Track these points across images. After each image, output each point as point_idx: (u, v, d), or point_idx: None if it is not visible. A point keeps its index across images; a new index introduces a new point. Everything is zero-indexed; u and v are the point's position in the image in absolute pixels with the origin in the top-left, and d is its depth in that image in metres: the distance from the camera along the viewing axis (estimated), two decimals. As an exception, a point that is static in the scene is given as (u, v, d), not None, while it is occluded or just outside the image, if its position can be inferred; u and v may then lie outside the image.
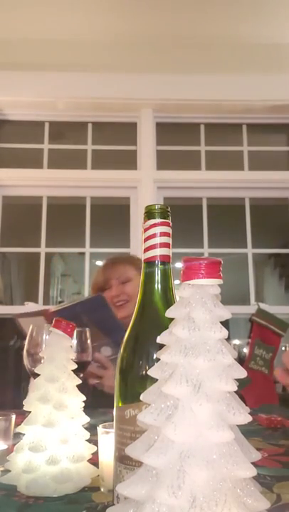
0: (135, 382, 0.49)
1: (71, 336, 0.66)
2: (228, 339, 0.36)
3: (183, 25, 2.65)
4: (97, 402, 1.25)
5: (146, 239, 0.53)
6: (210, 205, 2.84)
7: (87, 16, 2.57)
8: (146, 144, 2.74)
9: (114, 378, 1.29)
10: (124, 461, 0.48)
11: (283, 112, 2.79)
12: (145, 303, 0.53)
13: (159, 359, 0.36)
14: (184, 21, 2.63)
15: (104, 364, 1.25)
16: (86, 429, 0.64)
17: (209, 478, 0.30)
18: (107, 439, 0.60)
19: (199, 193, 2.83)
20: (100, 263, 3.07)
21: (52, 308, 1.27)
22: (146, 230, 0.53)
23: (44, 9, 2.52)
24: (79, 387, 0.65)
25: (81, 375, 0.99)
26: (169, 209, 0.54)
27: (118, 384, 0.51)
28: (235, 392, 0.34)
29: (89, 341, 1.06)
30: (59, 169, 2.76)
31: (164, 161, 2.80)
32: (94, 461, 0.63)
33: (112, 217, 3.00)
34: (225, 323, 0.36)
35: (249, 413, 0.33)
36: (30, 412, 0.62)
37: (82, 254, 2.76)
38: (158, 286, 0.52)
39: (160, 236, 0.52)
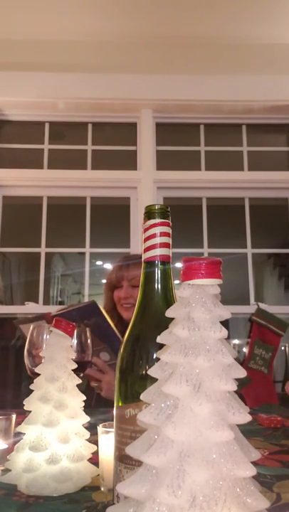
0: (135, 381, 0.50)
1: (71, 335, 0.66)
2: (228, 339, 0.36)
3: (183, 26, 2.65)
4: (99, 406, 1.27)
5: (146, 239, 0.53)
6: (210, 205, 2.84)
7: (88, 16, 2.58)
8: (146, 144, 2.74)
9: (110, 384, 1.30)
10: (125, 461, 0.48)
11: (283, 112, 2.79)
12: (145, 303, 0.53)
13: (159, 359, 0.36)
14: (183, 22, 2.63)
15: (102, 368, 1.28)
16: (86, 428, 0.64)
17: (209, 477, 0.30)
18: (107, 438, 0.60)
19: (199, 193, 2.83)
20: (100, 263, 3.08)
21: (52, 312, 1.29)
22: (146, 230, 0.53)
23: (45, 10, 2.52)
24: (84, 391, 0.65)
25: (81, 375, 0.99)
26: (168, 209, 0.54)
27: (118, 383, 0.51)
28: (235, 391, 0.34)
29: (89, 341, 1.07)
30: (59, 169, 2.76)
31: (164, 161, 2.80)
32: (94, 460, 0.63)
33: (112, 217, 3.01)
34: (225, 323, 0.36)
35: (249, 413, 0.33)
36: (30, 411, 0.62)
37: (83, 254, 2.76)
38: (158, 286, 0.53)
39: (160, 236, 0.52)
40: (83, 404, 0.65)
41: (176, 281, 0.47)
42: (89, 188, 2.77)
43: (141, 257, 0.54)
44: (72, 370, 0.65)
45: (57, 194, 2.79)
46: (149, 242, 0.52)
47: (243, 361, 2.59)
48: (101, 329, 1.09)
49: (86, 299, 2.70)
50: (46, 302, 2.79)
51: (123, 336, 0.54)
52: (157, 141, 2.81)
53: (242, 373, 0.34)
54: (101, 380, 1.29)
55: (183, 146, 2.89)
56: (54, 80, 2.68)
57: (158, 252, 0.52)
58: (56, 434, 0.60)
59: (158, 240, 0.52)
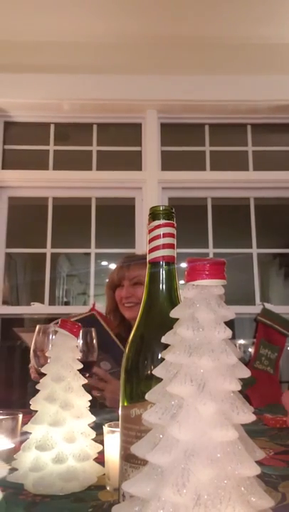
0: (140, 381, 0.50)
1: (77, 336, 0.66)
2: (233, 339, 0.36)
3: (187, 27, 2.65)
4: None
5: (151, 240, 0.53)
6: (214, 205, 2.84)
7: (92, 17, 2.58)
8: (151, 145, 2.74)
9: (115, 393, 1.30)
10: (130, 460, 0.48)
11: (287, 112, 2.78)
12: (150, 303, 0.53)
13: (163, 359, 0.36)
14: (187, 22, 2.63)
15: (104, 378, 1.28)
16: (92, 428, 0.65)
17: (213, 476, 0.30)
18: (113, 438, 0.61)
19: (204, 194, 2.82)
20: (105, 263, 3.08)
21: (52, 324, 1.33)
22: (150, 231, 0.53)
23: (49, 12, 2.53)
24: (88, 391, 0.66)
25: (87, 375, 1.00)
26: (173, 210, 0.54)
27: (124, 383, 0.52)
28: (240, 391, 0.34)
29: (95, 341, 1.07)
30: (64, 170, 2.77)
31: (169, 162, 2.80)
32: (100, 459, 0.64)
33: (117, 217, 3.01)
34: (230, 323, 0.36)
35: (254, 413, 0.33)
36: (37, 411, 0.62)
37: (88, 254, 2.77)
38: (163, 286, 0.53)
39: (164, 237, 0.52)
40: (89, 404, 0.65)
41: (181, 282, 0.47)
42: (94, 188, 2.78)
43: (143, 258, 0.54)
44: (78, 370, 0.65)
45: (62, 195, 2.80)
46: (154, 243, 0.53)
47: (248, 361, 2.58)
48: (100, 339, 1.13)
49: (91, 300, 2.70)
50: (52, 303, 2.80)
51: (126, 337, 0.54)
52: (162, 142, 2.82)
53: (246, 373, 0.34)
54: (104, 389, 1.28)
55: (188, 146, 2.89)
56: (59, 81, 2.69)
57: (162, 253, 0.52)
58: (62, 434, 0.60)
59: (162, 241, 0.52)
